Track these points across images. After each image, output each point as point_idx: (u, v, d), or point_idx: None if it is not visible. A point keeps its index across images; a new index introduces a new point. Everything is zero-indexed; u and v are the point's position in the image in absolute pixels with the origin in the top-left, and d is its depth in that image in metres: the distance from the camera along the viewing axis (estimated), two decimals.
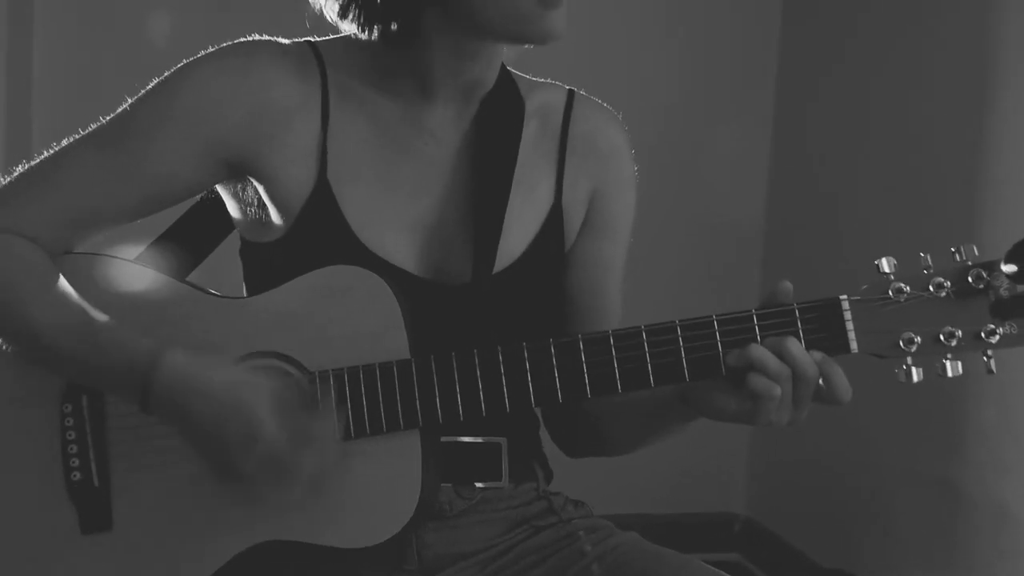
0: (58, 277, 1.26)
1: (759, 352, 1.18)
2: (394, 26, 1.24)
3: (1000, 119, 2.53)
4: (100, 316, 1.23)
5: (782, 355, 1.17)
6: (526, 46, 1.29)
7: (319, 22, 1.28)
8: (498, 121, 1.34)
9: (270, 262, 1.31)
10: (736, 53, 3.34)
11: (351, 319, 1.24)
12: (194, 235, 1.44)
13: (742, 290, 3.20)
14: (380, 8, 1.22)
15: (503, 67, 1.35)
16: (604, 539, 1.35)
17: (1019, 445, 2.45)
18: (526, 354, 1.21)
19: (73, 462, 1.29)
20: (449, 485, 1.31)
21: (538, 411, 1.41)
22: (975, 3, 2.63)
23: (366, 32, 1.25)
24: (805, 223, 3.24)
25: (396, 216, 1.31)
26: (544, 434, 1.44)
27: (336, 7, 1.25)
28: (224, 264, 1.44)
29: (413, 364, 1.22)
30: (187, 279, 1.35)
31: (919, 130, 2.80)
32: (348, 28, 1.26)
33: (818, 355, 1.19)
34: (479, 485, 1.33)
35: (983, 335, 1.18)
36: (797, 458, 3.26)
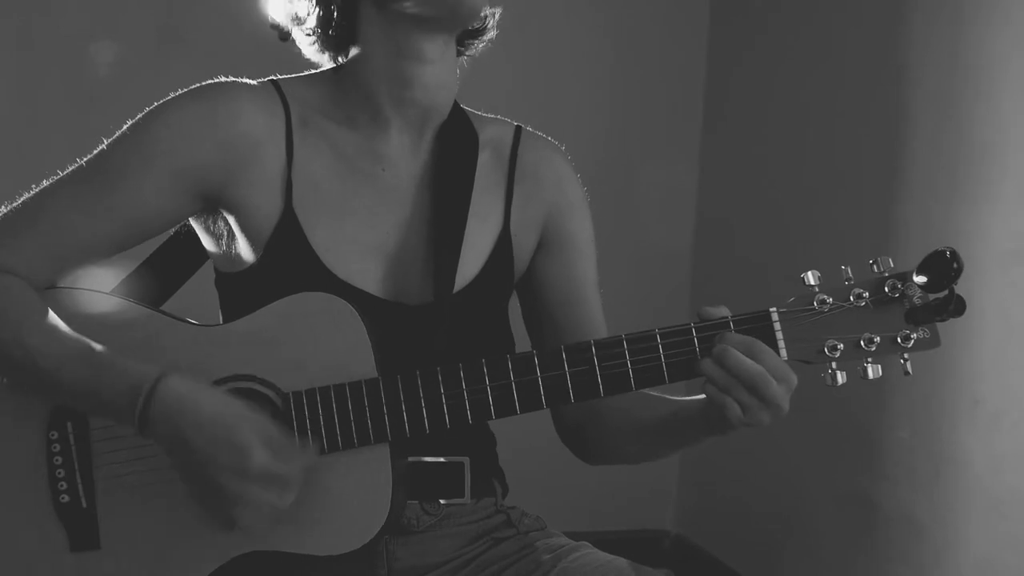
0: (48, 310, 1.30)
1: (704, 366, 1.24)
2: (333, 31, 1.32)
3: (911, 158, 2.63)
4: (95, 345, 1.27)
5: (723, 366, 1.23)
6: (467, 56, 1.37)
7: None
8: (453, 151, 1.41)
9: (243, 290, 1.36)
10: (665, 90, 3.44)
11: (321, 342, 1.29)
12: (167, 268, 1.49)
13: (672, 311, 3.29)
14: (323, 14, 1.31)
15: (456, 103, 1.43)
16: (558, 548, 1.42)
17: (930, 461, 2.52)
18: (485, 369, 1.27)
19: (61, 485, 1.33)
20: (416, 502, 1.38)
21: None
22: (886, 39, 2.74)
23: (316, 42, 1.34)
24: (730, 248, 3.32)
25: (359, 242, 1.37)
26: (500, 451, 1.50)
27: (295, 27, 1.35)
28: (200, 295, 1.49)
29: (380, 382, 1.28)
30: (162, 308, 1.40)
31: (838, 162, 2.89)
32: (304, 44, 1.35)
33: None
34: (443, 502, 1.40)
35: (899, 340, 1.25)
36: (724, 477, 3.31)
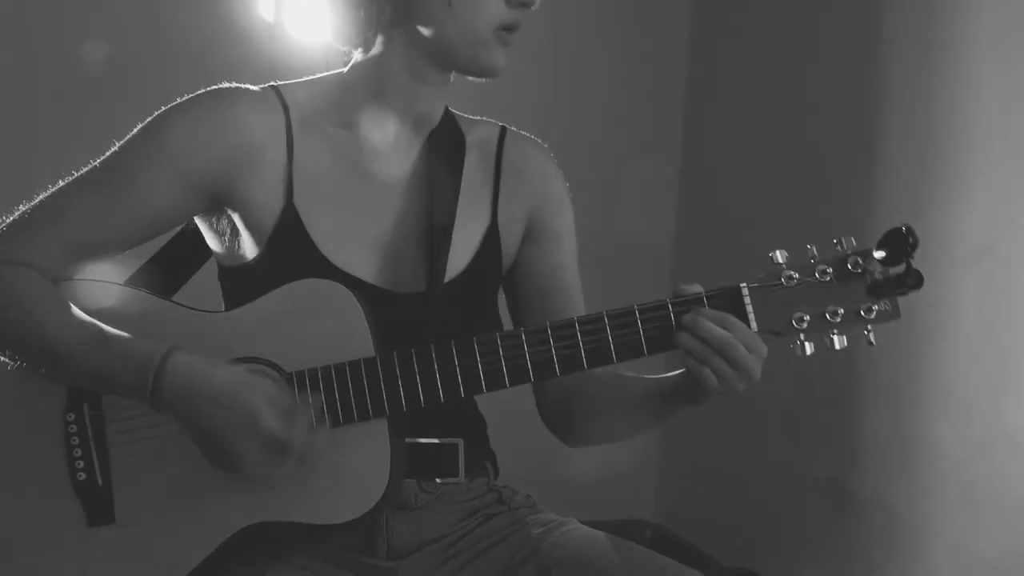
0: (63, 298, 1.38)
1: (681, 338, 1.31)
2: (376, 42, 1.41)
3: (885, 160, 2.70)
4: (107, 328, 1.35)
5: (697, 336, 1.30)
6: (469, 78, 1.45)
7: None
8: (443, 151, 1.50)
9: (246, 282, 1.42)
10: (646, 85, 3.49)
11: (321, 326, 1.36)
12: (173, 263, 1.56)
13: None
14: (362, 23, 1.40)
15: (446, 108, 1.52)
16: (547, 523, 1.49)
17: (905, 450, 2.58)
18: (476, 346, 1.34)
19: (78, 464, 1.40)
20: (413, 481, 1.45)
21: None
22: (862, 41, 2.80)
23: (358, 44, 1.43)
24: (711, 243, 3.38)
25: (356, 234, 1.44)
26: (491, 433, 1.58)
27: (336, 31, 1.43)
28: (204, 290, 1.54)
29: (378, 360, 1.35)
30: (171, 298, 1.47)
31: (815, 160, 2.95)
32: (341, 44, 1.44)
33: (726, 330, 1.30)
34: (439, 481, 1.47)
35: (862, 312, 1.31)
36: (703, 467, 3.36)
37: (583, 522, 1.52)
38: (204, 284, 1.56)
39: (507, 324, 1.56)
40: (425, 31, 1.40)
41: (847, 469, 2.77)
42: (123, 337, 1.34)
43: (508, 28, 1.40)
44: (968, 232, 2.41)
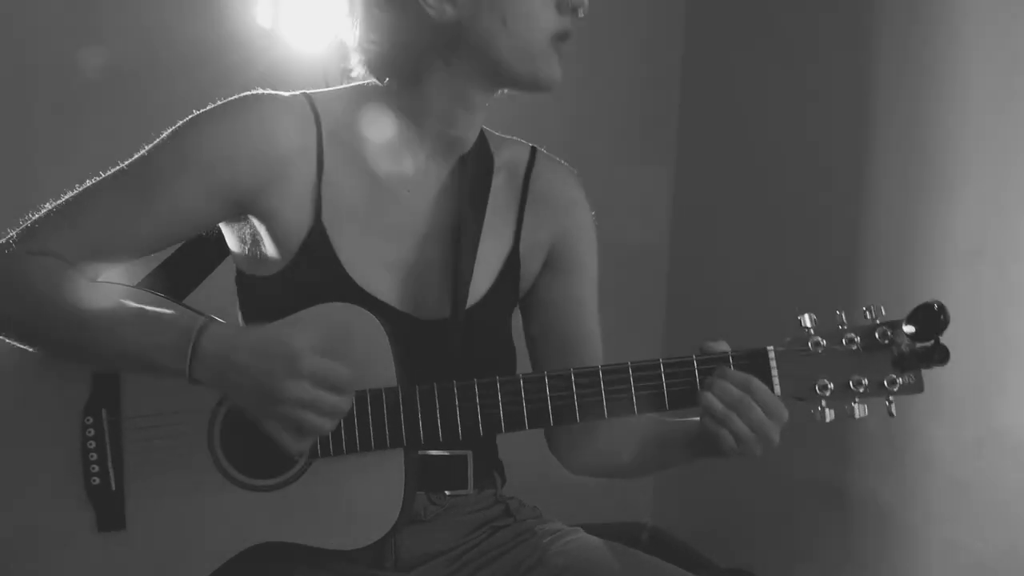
0: (93, 282, 1.37)
1: (704, 399, 1.31)
2: (426, 71, 1.38)
3: (878, 164, 2.71)
4: (142, 304, 1.35)
5: (720, 398, 1.30)
6: (528, 92, 1.42)
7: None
8: (472, 175, 1.47)
9: (267, 293, 1.41)
10: (641, 89, 3.51)
11: (345, 350, 1.32)
12: (186, 267, 1.55)
13: (649, 310, 3.34)
14: (416, 54, 1.37)
15: (481, 130, 1.50)
16: (554, 532, 1.50)
17: (897, 450, 2.59)
18: (499, 387, 1.34)
19: (93, 468, 1.40)
20: (423, 493, 1.44)
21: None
22: (856, 47, 2.82)
23: (398, 77, 1.39)
24: (706, 246, 3.40)
25: (381, 256, 1.43)
26: (500, 439, 1.55)
27: (374, 58, 1.39)
28: (214, 293, 1.55)
29: (400, 392, 1.34)
30: (183, 303, 1.46)
31: (810, 165, 2.98)
32: (379, 76, 1.40)
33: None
34: (448, 493, 1.46)
35: (886, 384, 1.31)
36: (699, 470, 3.33)
37: (581, 525, 1.53)
38: (213, 289, 1.56)
39: (519, 344, 1.55)
40: (481, 53, 1.37)
41: (840, 469, 2.79)
42: (158, 310, 1.34)
43: (561, 36, 1.39)
44: (958, 234, 2.42)
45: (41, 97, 3.00)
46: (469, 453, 1.46)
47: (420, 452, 1.41)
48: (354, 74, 1.45)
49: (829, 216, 2.85)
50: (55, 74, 2.98)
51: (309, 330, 1.29)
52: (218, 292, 1.53)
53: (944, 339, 1.29)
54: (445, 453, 1.45)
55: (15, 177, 2.89)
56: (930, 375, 2.46)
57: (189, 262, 1.56)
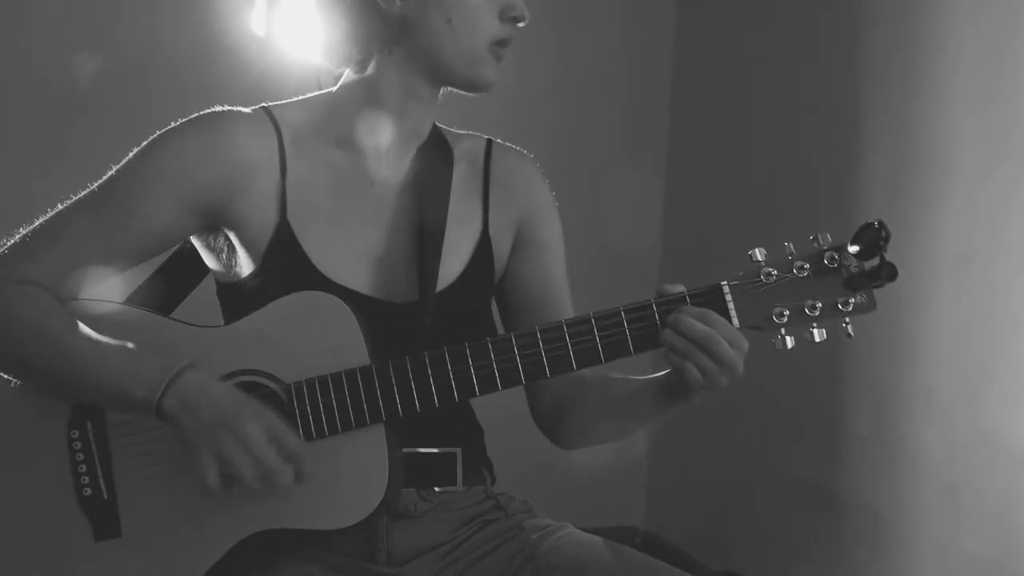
0: (73, 314, 1.41)
1: (664, 335, 1.35)
2: (372, 60, 1.46)
3: (867, 169, 2.74)
4: (115, 341, 1.38)
5: (680, 333, 1.33)
6: (463, 92, 1.49)
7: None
8: (431, 164, 1.54)
9: (243, 296, 1.46)
10: (631, 96, 3.52)
11: (317, 336, 1.39)
12: (173, 280, 1.60)
13: None
14: (363, 42, 1.45)
15: (434, 124, 1.56)
16: (544, 528, 1.52)
17: (888, 453, 2.63)
18: (468, 351, 1.38)
19: (83, 479, 1.43)
20: (413, 490, 1.48)
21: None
22: (846, 53, 2.84)
23: (351, 65, 1.46)
24: (698, 252, 3.41)
25: (349, 247, 1.48)
26: (488, 442, 1.60)
27: (332, 47, 1.47)
28: (202, 307, 1.58)
29: (373, 368, 1.38)
30: (171, 316, 1.51)
31: (799, 169, 3.00)
32: (334, 64, 1.48)
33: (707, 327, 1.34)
34: (438, 489, 1.50)
35: (839, 305, 1.34)
36: (692, 474, 3.39)
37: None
38: (202, 301, 1.59)
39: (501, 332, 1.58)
40: (424, 47, 1.45)
41: (832, 473, 2.81)
42: (134, 348, 1.37)
43: (501, 43, 1.46)
44: (947, 240, 2.45)
45: (35, 103, 3.00)
46: (458, 450, 1.51)
47: (409, 450, 1.45)
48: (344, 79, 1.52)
49: (819, 220, 2.82)
50: (49, 80, 2.99)
51: (266, 411, 1.34)
52: (210, 300, 1.56)
53: (889, 256, 1.31)
54: (434, 450, 1.49)
55: (8, 182, 2.90)
56: (922, 379, 2.51)
57: (178, 273, 1.60)
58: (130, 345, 1.38)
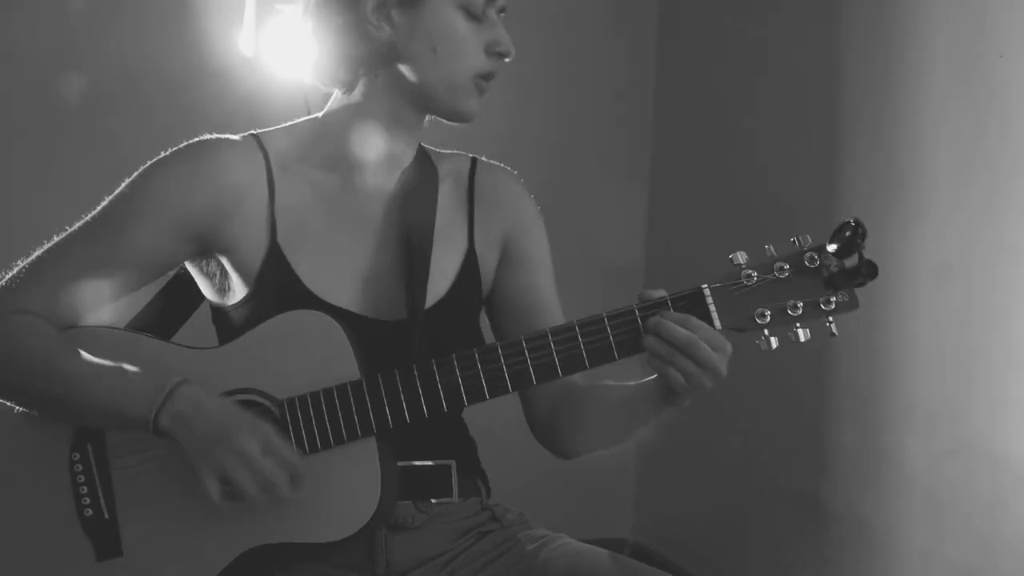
0: (70, 339, 1.45)
1: (646, 341, 1.36)
2: (360, 82, 1.49)
3: (847, 183, 2.76)
4: (116, 363, 1.42)
5: (661, 337, 1.35)
6: (445, 121, 1.52)
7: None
8: (417, 184, 1.56)
9: (237, 319, 1.49)
10: (614, 110, 3.54)
11: (308, 354, 1.42)
12: (170, 306, 1.63)
13: None
14: (351, 63, 1.48)
15: (419, 145, 1.59)
16: (540, 539, 1.55)
17: (873, 462, 2.64)
18: (455, 362, 1.40)
19: (84, 500, 1.46)
20: (409, 502, 1.50)
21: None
22: (824, 68, 2.86)
23: (339, 86, 1.50)
24: (681, 264, 3.42)
25: (339, 268, 1.51)
26: (482, 455, 1.63)
27: (321, 68, 1.50)
28: (197, 332, 1.61)
29: (364, 382, 1.41)
30: (169, 340, 1.53)
31: (780, 183, 3.02)
32: (323, 84, 1.51)
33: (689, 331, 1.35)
34: (434, 501, 1.52)
35: (821, 304, 1.35)
36: (680, 485, 3.40)
37: None
38: (204, 324, 1.61)
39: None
40: (409, 75, 1.48)
41: (818, 482, 2.83)
42: (132, 370, 1.41)
43: (485, 76, 1.49)
44: (927, 253, 2.47)
45: (21, 122, 3.01)
46: (453, 462, 1.53)
47: (404, 463, 1.47)
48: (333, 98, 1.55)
49: (800, 231, 2.88)
50: (36, 99, 3.00)
51: (263, 425, 1.37)
52: (207, 325, 1.58)
53: (867, 254, 1.32)
54: (429, 463, 1.52)
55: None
56: (904, 389, 2.53)
57: (175, 299, 1.63)
58: (126, 366, 1.41)
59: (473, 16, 1.47)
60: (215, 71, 2.96)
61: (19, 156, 3.01)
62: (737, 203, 3.21)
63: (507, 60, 1.50)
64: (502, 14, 1.51)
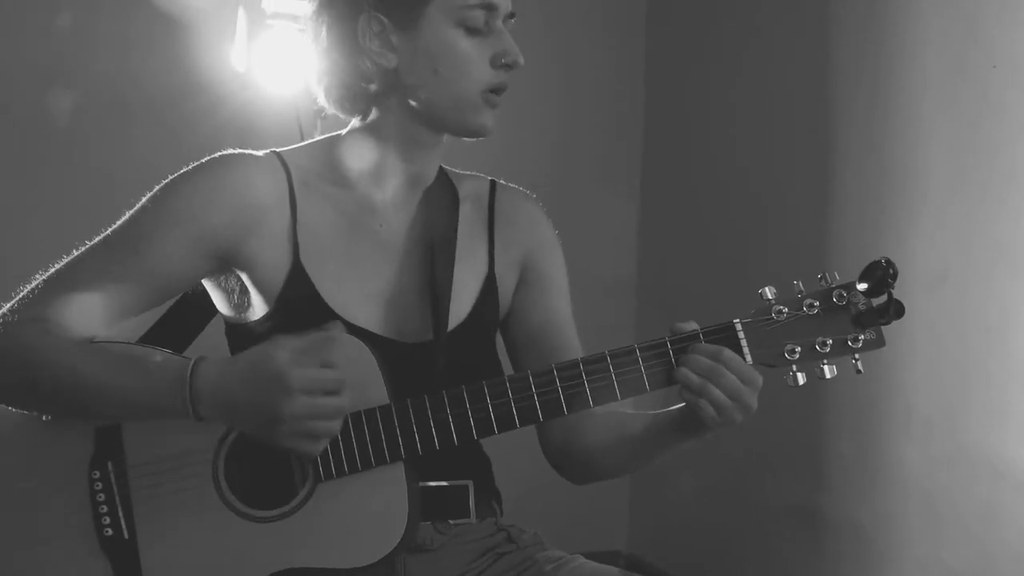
0: (88, 342, 1.43)
1: (679, 373, 1.37)
2: (373, 111, 1.50)
3: (841, 191, 2.78)
4: (135, 355, 1.41)
5: (695, 371, 1.36)
6: (461, 138, 1.52)
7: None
8: (439, 206, 1.56)
9: (255, 337, 1.46)
10: (604, 122, 3.56)
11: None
12: (181, 323, 1.61)
13: (619, 340, 3.36)
14: (362, 93, 1.48)
15: (440, 166, 1.59)
16: (556, 560, 1.55)
17: (870, 471, 2.65)
18: (486, 389, 1.39)
19: (104, 520, 1.44)
20: (429, 523, 1.49)
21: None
22: (817, 76, 2.88)
23: (353, 114, 1.50)
24: (673, 275, 3.45)
25: (361, 288, 1.50)
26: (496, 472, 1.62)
27: (331, 97, 1.50)
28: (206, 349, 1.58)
29: (393, 407, 1.40)
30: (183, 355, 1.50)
31: (774, 193, 3.03)
32: (338, 112, 1.52)
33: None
34: (452, 522, 1.52)
35: (849, 342, 1.38)
36: (675, 497, 3.38)
37: None
38: (207, 343, 1.60)
39: (506, 367, 1.60)
40: (414, 99, 1.48)
41: (815, 492, 2.83)
42: (149, 361, 1.40)
43: (495, 90, 1.48)
44: (922, 261, 2.49)
45: (10, 138, 3.00)
46: (470, 483, 1.52)
47: (423, 484, 1.46)
48: (324, 114, 1.56)
49: (796, 246, 2.90)
50: (26, 115, 2.99)
51: (288, 342, 1.34)
52: (215, 342, 1.57)
53: (897, 294, 1.34)
54: (446, 484, 1.51)
55: None
56: (901, 396, 2.54)
57: (185, 316, 1.61)
58: (144, 354, 1.40)
59: (474, 30, 1.46)
60: (207, 85, 2.95)
61: (8, 173, 2.99)
62: (729, 213, 3.22)
63: (517, 68, 1.49)
64: (511, 20, 1.50)
